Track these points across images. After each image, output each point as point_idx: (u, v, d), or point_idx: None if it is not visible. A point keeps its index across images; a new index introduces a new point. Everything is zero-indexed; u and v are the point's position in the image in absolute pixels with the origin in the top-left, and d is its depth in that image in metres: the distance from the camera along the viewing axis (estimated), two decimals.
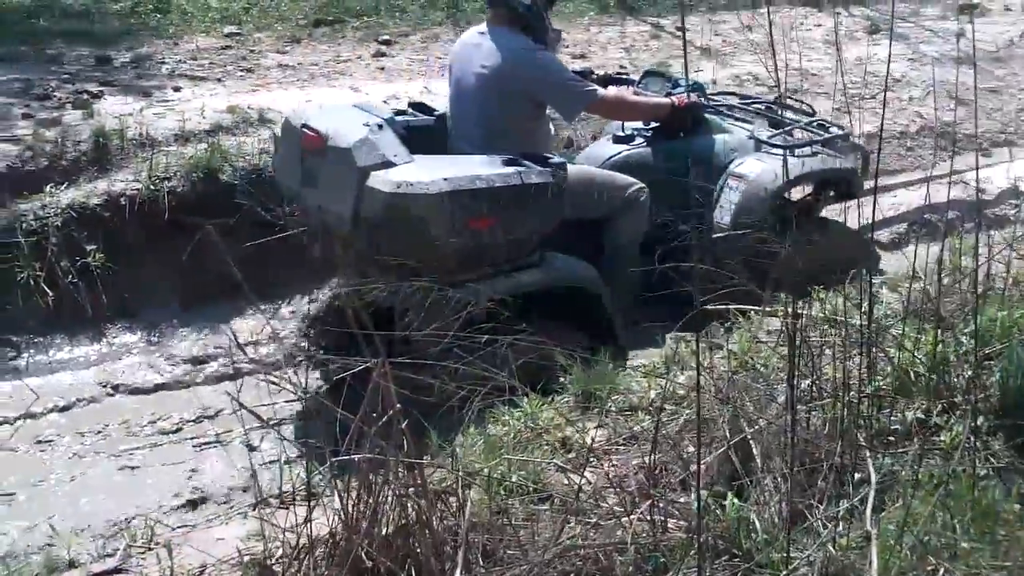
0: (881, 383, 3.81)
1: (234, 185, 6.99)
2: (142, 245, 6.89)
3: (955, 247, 5.09)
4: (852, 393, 3.46)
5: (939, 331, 3.95)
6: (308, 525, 2.96)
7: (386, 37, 10.38)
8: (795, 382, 3.42)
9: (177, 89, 8.77)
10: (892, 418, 3.65)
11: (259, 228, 5.68)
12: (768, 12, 10.85)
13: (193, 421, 5.71)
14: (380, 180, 4.69)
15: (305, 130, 5.06)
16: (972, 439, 3.45)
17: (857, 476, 3.27)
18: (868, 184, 5.93)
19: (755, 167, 5.84)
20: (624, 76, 6.50)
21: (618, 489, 3.28)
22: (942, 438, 3.52)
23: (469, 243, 4.81)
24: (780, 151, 5.81)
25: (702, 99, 6.23)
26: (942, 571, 2.83)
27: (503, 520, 3.17)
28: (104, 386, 6.11)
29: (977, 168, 4.38)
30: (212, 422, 5.62)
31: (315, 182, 5.06)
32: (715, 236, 5.63)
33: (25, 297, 6.46)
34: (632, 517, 3.07)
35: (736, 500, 3.11)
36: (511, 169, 4.95)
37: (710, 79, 8.20)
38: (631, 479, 3.43)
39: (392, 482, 2.90)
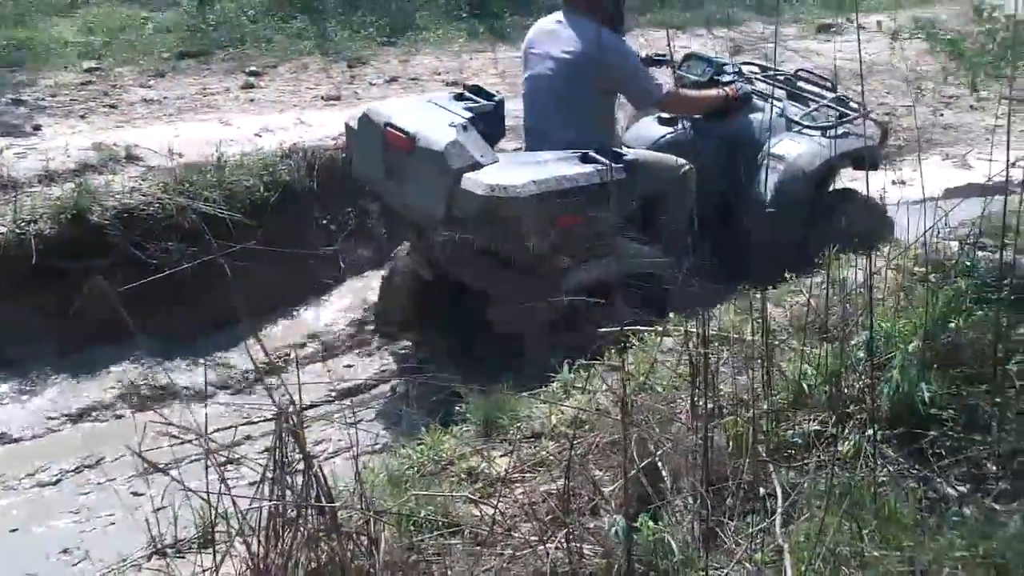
0: (778, 397, 3.87)
1: (105, 225, 6.77)
2: (10, 291, 6.61)
3: (835, 261, 5.21)
4: (752, 409, 3.52)
5: (829, 344, 4.05)
6: (214, 574, 2.88)
7: (254, 68, 10.23)
8: (699, 401, 3.47)
9: (37, 127, 8.48)
10: (791, 432, 3.72)
11: (135, 268, 5.57)
12: (667, 36, 11.02)
13: (74, 471, 5.51)
14: (473, 183, 5.02)
15: (390, 128, 5.36)
16: (869, 448, 3.53)
17: (764, 491, 3.32)
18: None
19: (793, 148, 6.17)
20: (663, 58, 6.71)
21: (531, 517, 3.27)
22: (840, 448, 3.58)
23: (555, 239, 5.11)
24: (814, 131, 6.16)
25: (746, 84, 6.39)
26: None
27: (416, 557, 3.13)
28: None
29: None
30: (94, 470, 5.45)
31: (401, 178, 5.42)
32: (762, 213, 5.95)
33: None
34: (548, 545, 3.06)
35: (651, 522, 3.12)
36: (591, 168, 5.23)
37: None
38: (541, 506, 3.42)
39: (302, 525, 2.84)
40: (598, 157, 5.30)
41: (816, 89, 6.65)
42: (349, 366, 6.47)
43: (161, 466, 3.01)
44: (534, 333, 5.25)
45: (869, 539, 3.08)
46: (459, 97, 5.86)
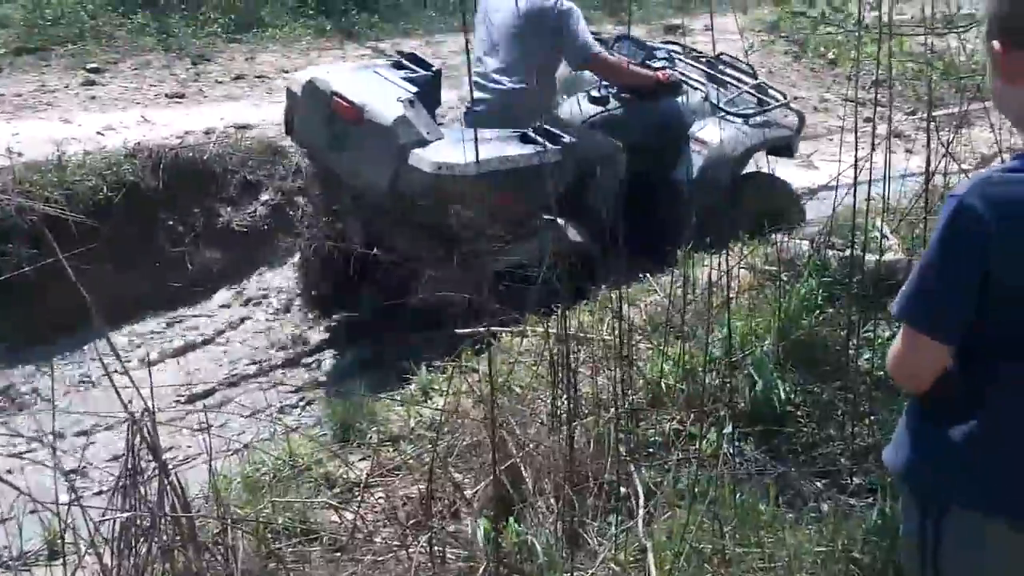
0: (637, 397, 3.88)
1: None
2: None
3: (687, 260, 5.27)
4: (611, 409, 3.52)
5: (685, 343, 4.09)
6: None
7: (95, 65, 9.88)
8: (560, 402, 3.46)
9: None
10: (651, 431, 3.73)
11: None
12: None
13: None
14: (419, 159, 5.14)
15: (337, 98, 5.39)
16: (727, 446, 3.57)
17: (625, 490, 3.32)
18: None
19: (716, 134, 6.28)
20: (597, 37, 6.63)
21: (392, 522, 3.21)
22: (699, 447, 3.61)
23: (492, 216, 5.09)
24: (737, 118, 6.32)
25: (677, 71, 6.49)
26: None
27: (274, 565, 3.04)
28: None
29: None
30: None
31: (345, 148, 5.44)
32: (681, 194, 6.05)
33: None
34: (410, 550, 3.01)
35: (515, 524, 3.09)
36: (531, 149, 5.36)
37: None
38: (402, 511, 3.36)
39: (157, 535, 2.72)
40: (537, 138, 5.42)
41: (737, 74, 6.83)
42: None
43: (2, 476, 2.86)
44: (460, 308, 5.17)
45: (730, 536, 3.11)
46: (397, 66, 5.95)
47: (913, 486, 2.05)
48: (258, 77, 10.11)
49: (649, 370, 4.06)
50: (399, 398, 4.32)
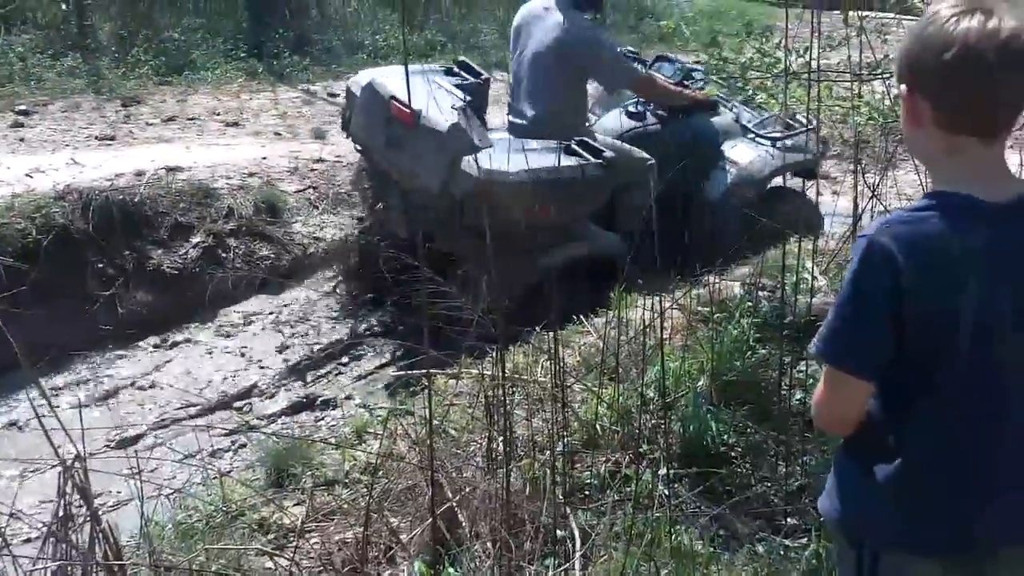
0: (573, 439, 3.89)
1: None
2: None
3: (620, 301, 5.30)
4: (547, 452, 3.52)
5: (620, 384, 4.11)
6: None
7: (23, 107, 9.78)
8: (496, 445, 3.45)
9: None
10: (587, 473, 3.74)
11: None
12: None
13: None
14: (471, 165, 5.42)
15: (395, 102, 5.75)
16: (662, 488, 3.59)
17: (562, 533, 3.31)
18: None
19: (747, 155, 6.68)
20: (635, 55, 7.18)
21: (327, 568, 3.18)
22: (635, 488, 3.62)
23: (537, 222, 5.52)
24: (765, 140, 6.70)
25: (717, 93, 6.63)
26: None
27: None
28: None
29: None
30: None
31: (400, 149, 5.83)
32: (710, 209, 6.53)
33: None
34: None
35: (451, 569, 3.07)
36: (574, 162, 5.79)
37: None
38: (338, 556, 3.32)
39: None
40: (579, 151, 5.85)
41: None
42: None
43: None
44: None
45: None
46: (449, 72, 6.35)
47: (845, 532, 2.07)
48: (190, 119, 10.06)
49: (584, 412, 4.08)
50: (334, 441, 4.29)
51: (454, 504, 3.34)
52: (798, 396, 4.05)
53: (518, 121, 6.34)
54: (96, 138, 9.16)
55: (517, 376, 4.29)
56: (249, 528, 3.60)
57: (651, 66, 7.02)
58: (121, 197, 7.27)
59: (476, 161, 5.38)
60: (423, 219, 5.85)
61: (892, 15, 9.50)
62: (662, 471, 3.63)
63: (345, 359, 6.32)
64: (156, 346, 6.83)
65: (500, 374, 3.51)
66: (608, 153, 5.90)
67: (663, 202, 5.76)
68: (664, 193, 5.89)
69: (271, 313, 7.05)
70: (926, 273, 1.82)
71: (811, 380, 4.00)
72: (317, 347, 6.48)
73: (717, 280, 5.15)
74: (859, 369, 1.93)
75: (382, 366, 6.10)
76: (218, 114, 10.19)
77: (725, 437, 3.91)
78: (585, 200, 5.87)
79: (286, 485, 3.98)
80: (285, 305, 7.13)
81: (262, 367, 6.37)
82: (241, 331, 6.86)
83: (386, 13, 14.26)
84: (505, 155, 5.47)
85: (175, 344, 6.83)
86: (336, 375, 6.16)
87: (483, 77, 6.40)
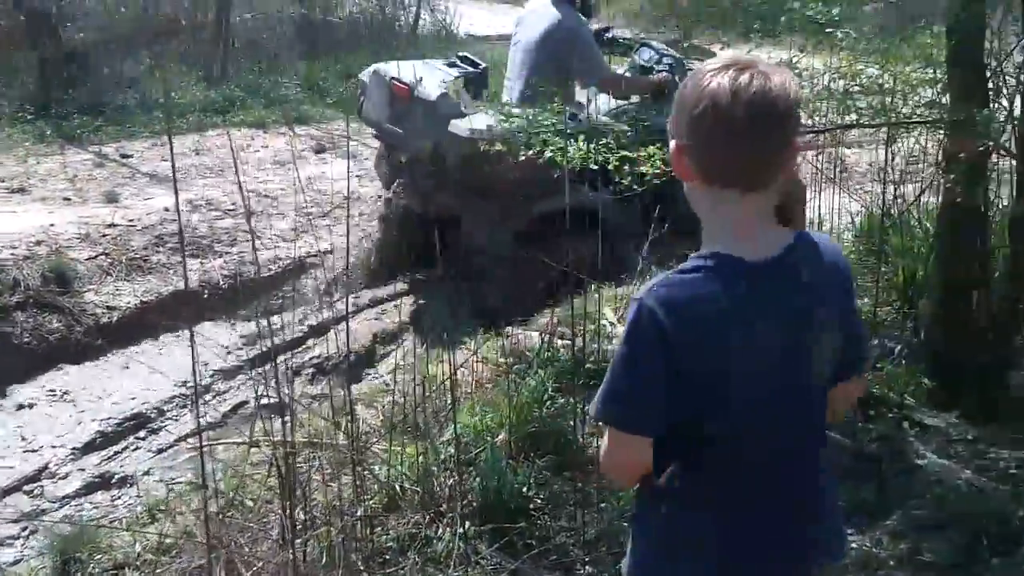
0: (371, 502, 3.82)
1: None
2: None
3: (423, 355, 5.28)
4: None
5: (418, 443, 4.06)
6: None
7: None
8: (291, 513, 3.36)
9: None
10: (385, 536, 3.68)
11: None
12: (228, 135, 10.90)
13: None
14: (457, 127, 6.38)
15: (394, 81, 6.76)
16: (462, 546, 3.55)
17: None
18: None
19: None
20: (625, 39, 8.11)
21: None
22: (434, 549, 3.58)
23: (520, 175, 5.89)
24: None
25: (676, 75, 7.16)
26: None
27: None
28: None
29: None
30: None
31: (400, 122, 6.84)
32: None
33: None
34: None
35: None
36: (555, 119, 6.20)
37: None
38: None
39: None
40: (460, 64, 7.05)
41: None
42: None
43: None
44: (501, 253, 6.67)
45: None
46: (451, 64, 7.26)
47: None
48: None
49: (385, 473, 4.01)
50: (123, 523, 4.12)
51: None
52: (595, 444, 4.08)
53: (507, 99, 7.06)
54: None
55: (317, 440, 4.20)
56: None
57: (636, 50, 7.74)
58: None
59: (462, 123, 6.34)
60: (430, 188, 6.70)
61: None
62: (460, 529, 3.60)
63: (143, 433, 6.09)
64: None
65: (291, 440, 3.44)
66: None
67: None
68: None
69: (63, 390, 6.74)
70: (691, 332, 1.86)
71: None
72: (113, 421, 6.22)
73: (516, 331, 5.19)
74: (638, 428, 1.96)
75: (180, 439, 5.88)
76: (2, 180, 9.76)
77: (524, 490, 3.91)
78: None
79: (73, 572, 3.80)
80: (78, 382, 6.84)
81: (54, 446, 6.08)
82: (30, 408, 6.54)
83: (182, 70, 13.97)
84: (489, 118, 6.18)
85: None
86: (134, 450, 5.92)
87: (481, 67, 7.33)
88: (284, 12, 16.01)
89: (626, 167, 4.99)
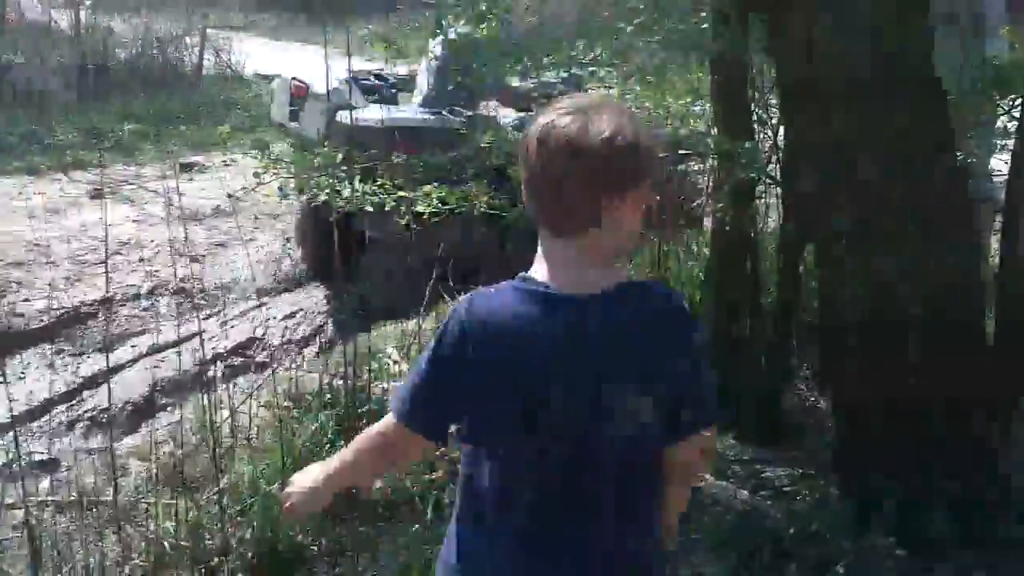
0: (138, 561, 3.64)
1: None
2: None
3: (202, 405, 5.09)
4: None
5: (186, 497, 3.89)
6: None
7: None
8: None
9: None
10: None
11: None
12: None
13: None
14: (343, 117, 7.31)
15: (295, 81, 8.32)
16: None
17: None
18: None
19: None
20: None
21: None
22: None
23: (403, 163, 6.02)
24: None
25: None
26: None
27: None
28: None
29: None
30: None
31: (299, 115, 8.22)
32: None
33: None
34: None
35: None
36: (430, 115, 7.73)
37: None
38: None
39: None
40: (442, 112, 7.75)
41: None
42: None
43: None
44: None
45: None
46: (362, 78, 8.58)
47: None
48: None
49: (153, 530, 3.83)
50: None
51: None
52: (377, 485, 3.99)
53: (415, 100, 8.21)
54: None
55: (81, 498, 3.99)
56: None
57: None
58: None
59: (347, 114, 7.15)
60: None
61: None
62: None
63: None
64: None
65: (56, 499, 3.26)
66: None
67: None
68: None
69: None
70: (492, 347, 1.87)
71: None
72: None
73: (301, 374, 5.06)
74: (425, 432, 1.99)
75: None
76: None
77: (299, 538, 3.79)
78: (430, 141, 6.60)
79: None
80: None
81: None
82: None
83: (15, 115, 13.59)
84: (374, 111, 7.29)
85: None
86: None
87: (391, 82, 8.81)
88: (58, 59, 15.61)
89: (402, 208, 4.97)
